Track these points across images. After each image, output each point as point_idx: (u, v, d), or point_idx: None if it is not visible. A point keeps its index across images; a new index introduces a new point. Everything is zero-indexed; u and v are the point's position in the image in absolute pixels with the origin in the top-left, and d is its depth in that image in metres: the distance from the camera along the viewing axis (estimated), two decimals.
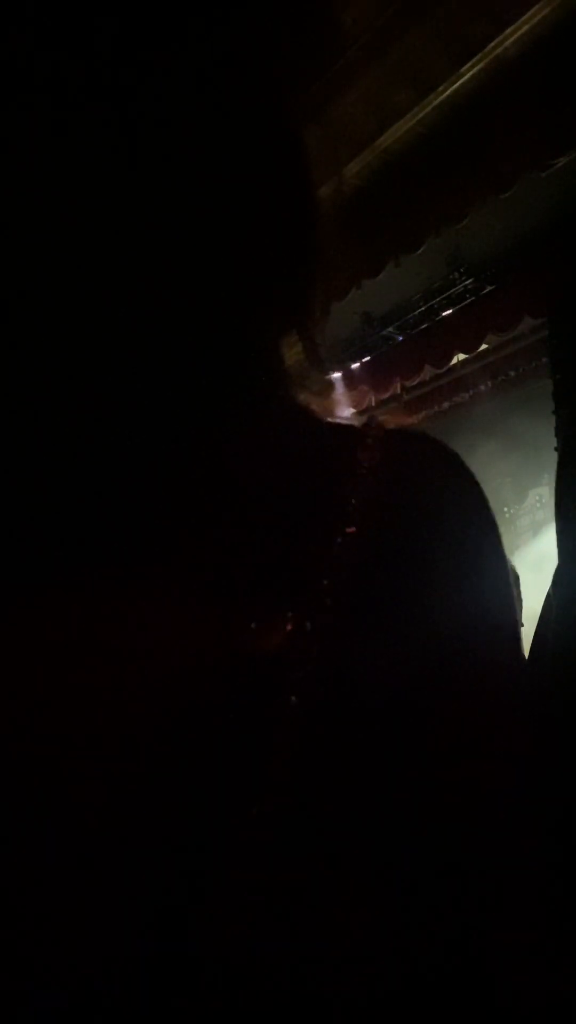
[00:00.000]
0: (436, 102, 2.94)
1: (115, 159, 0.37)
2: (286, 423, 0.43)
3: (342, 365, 4.47)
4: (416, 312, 4.19)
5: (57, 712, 0.35)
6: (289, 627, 0.35)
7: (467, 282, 3.95)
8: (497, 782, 0.37)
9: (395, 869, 0.35)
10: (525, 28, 2.71)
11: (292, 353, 0.44)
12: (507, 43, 2.76)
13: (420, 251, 3.36)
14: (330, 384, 0.46)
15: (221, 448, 0.40)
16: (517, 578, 1.91)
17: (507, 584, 0.40)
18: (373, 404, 4.52)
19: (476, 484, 0.41)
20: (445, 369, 4.50)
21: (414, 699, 0.36)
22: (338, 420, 0.44)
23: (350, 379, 4.55)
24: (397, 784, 0.35)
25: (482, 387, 4.64)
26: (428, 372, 4.45)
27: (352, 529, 0.38)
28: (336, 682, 0.35)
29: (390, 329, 4.26)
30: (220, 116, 0.39)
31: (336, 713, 0.35)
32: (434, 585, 0.38)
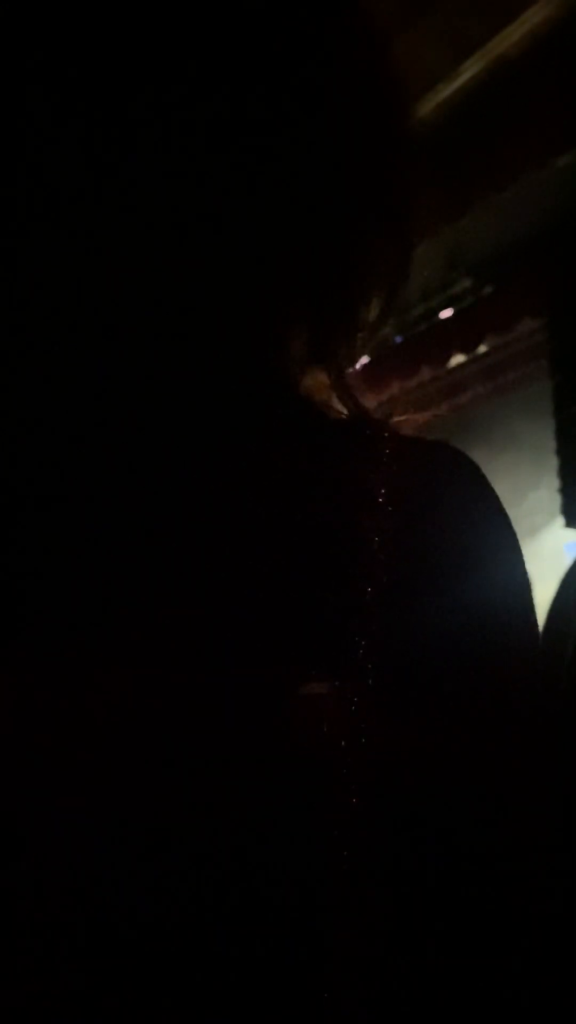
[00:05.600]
0: (435, 100, 2.91)
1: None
2: (299, 436, 0.40)
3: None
4: (414, 312, 4.17)
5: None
6: (321, 691, 0.32)
7: (466, 282, 3.92)
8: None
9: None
10: (526, 27, 2.69)
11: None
12: (507, 42, 2.74)
13: (418, 250, 3.33)
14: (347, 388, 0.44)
15: (230, 467, 0.37)
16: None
17: (532, 611, 0.38)
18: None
19: (497, 499, 0.39)
20: (443, 370, 4.47)
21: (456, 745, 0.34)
22: (353, 426, 0.41)
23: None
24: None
25: (481, 389, 4.62)
26: (426, 373, 4.43)
27: (380, 570, 0.34)
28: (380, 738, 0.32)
29: (387, 329, 4.24)
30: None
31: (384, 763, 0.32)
32: (470, 616, 0.35)
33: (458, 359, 4.47)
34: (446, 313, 4.13)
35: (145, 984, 0.30)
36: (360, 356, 0.43)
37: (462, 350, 4.25)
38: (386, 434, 0.39)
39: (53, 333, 0.35)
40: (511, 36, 2.72)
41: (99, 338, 0.35)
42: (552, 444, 3.64)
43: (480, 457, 0.41)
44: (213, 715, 0.32)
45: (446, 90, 2.86)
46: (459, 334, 4.09)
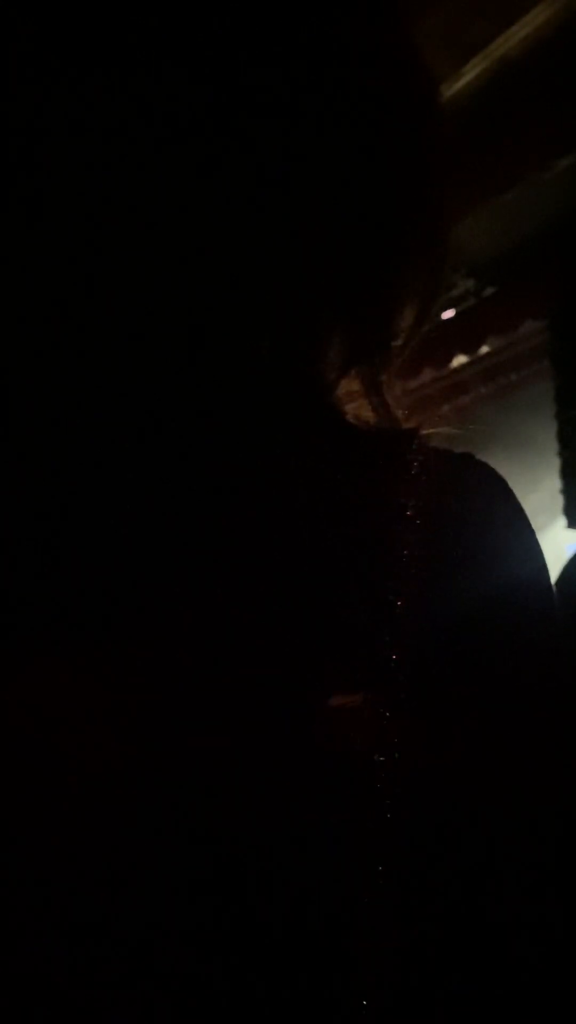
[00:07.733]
0: None
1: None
2: (328, 447, 0.39)
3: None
4: None
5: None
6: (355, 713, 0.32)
7: (468, 283, 3.92)
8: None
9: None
10: (528, 29, 2.69)
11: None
12: (509, 43, 2.74)
13: None
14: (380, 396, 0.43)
15: (260, 476, 0.36)
16: None
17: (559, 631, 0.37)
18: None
19: (523, 512, 0.38)
20: (445, 371, 4.47)
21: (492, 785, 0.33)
22: (382, 437, 0.41)
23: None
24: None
25: (483, 390, 4.62)
26: (428, 374, 4.43)
27: (410, 581, 0.34)
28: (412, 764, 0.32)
29: None
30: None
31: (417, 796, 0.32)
32: (505, 644, 0.35)
33: (460, 360, 4.47)
34: (448, 314, 4.12)
35: (161, 982, 0.30)
36: (394, 364, 0.43)
37: (464, 351, 4.25)
38: (415, 446, 0.39)
39: (82, 339, 0.34)
40: (513, 37, 2.71)
41: (126, 344, 0.34)
42: (554, 445, 3.64)
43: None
44: (245, 729, 0.31)
45: (448, 91, 2.86)
46: (461, 335, 4.09)
